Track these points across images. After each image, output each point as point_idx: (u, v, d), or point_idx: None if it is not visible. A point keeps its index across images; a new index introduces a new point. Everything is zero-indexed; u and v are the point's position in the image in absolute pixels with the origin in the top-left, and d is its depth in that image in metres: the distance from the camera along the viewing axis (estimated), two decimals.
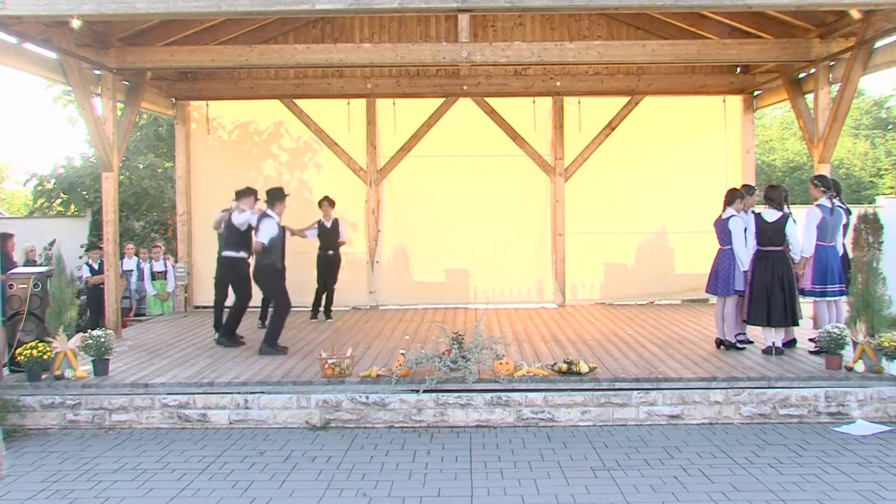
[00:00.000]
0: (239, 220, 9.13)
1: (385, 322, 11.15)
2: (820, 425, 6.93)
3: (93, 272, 11.53)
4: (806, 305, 8.30)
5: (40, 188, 15.55)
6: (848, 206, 8.61)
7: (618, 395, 7.08)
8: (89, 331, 7.76)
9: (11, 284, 8.00)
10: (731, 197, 8.52)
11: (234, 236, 9.21)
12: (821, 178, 8.45)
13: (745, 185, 9.26)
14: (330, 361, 7.34)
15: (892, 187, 26.59)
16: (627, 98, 12.62)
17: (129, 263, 12.29)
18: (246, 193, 9.28)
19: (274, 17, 11.01)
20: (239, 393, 7.17)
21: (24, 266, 10.62)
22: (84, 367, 7.59)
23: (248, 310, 9.44)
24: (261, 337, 8.96)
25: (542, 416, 7.03)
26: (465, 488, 5.52)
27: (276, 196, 8.98)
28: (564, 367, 7.29)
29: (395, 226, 12.83)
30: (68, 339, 7.51)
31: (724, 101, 12.71)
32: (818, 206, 8.18)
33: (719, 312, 8.56)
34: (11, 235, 10.88)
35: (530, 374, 7.27)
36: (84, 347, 7.53)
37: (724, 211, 8.51)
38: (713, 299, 9.98)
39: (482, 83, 12.43)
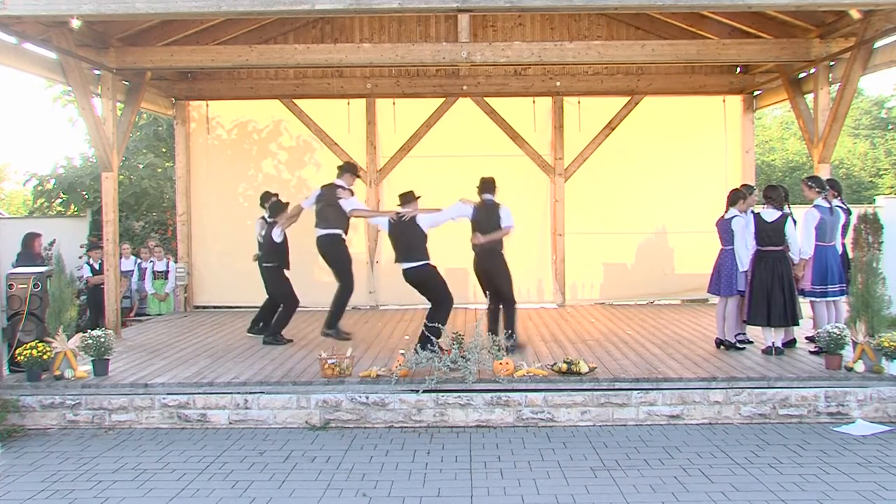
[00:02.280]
0: (429, 221, 8.46)
1: (385, 322, 11.15)
2: (820, 425, 6.93)
3: (94, 272, 11.54)
4: (806, 305, 8.30)
5: (40, 188, 15.53)
6: (848, 206, 8.60)
7: (617, 395, 7.08)
8: (89, 331, 7.76)
9: (11, 284, 8.01)
10: (734, 197, 8.52)
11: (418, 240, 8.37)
12: (814, 178, 8.46)
13: (744, 185, 9.27)
14: (330, 361, 7.34)
15: (891, 187, 26.58)
16: (627, 98, 12.62)
17: (127, 264, 12.22)
18: (410, 199, 8.52)
19: (274, 17, 11.01)
20: (239, 393, 7.17)
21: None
22: (84, 368, 7.59)
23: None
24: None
25: (541, 416, 7.03)
26: (465, 488, 5.52)
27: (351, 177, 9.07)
28: (564, 367, 7.29)
29: None
30: (68, 339, 7.50)
31: (723, 101, 12.71)
32: (816, 206, 8.18)
33: (720, 312, 8.56)
34: (39, 235, 11.07)
35: (530, 375, 7.27)
36: (84, 347, 7.53)
37: (726, 211, 8.52)
38: (713, 299, 9.99)
39: (482, 83, 12.43)
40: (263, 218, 9.91)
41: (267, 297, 9.91)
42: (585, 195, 12.71)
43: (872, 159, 28.31)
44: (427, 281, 8.34)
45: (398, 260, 8.42)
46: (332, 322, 8.92)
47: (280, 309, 9.42)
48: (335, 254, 8.92)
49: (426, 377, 7.12)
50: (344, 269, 8.96)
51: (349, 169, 9.28)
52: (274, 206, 9.56)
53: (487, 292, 8.47)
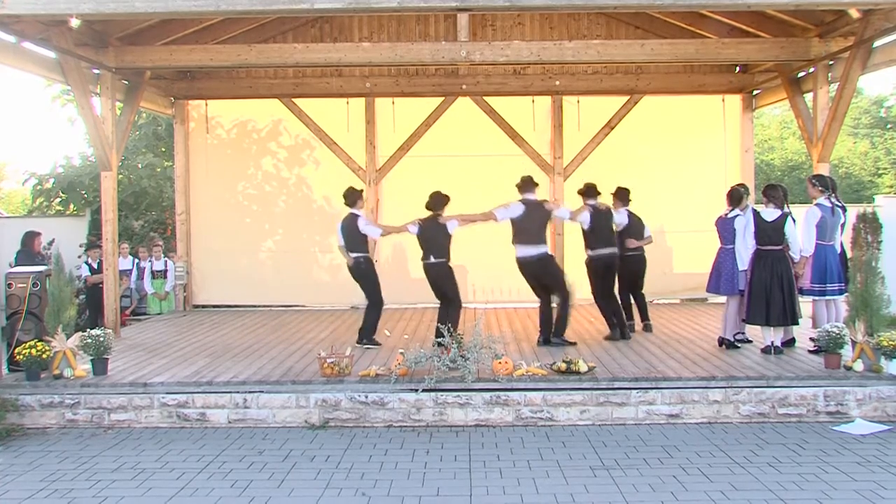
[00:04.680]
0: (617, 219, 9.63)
1: (384, 321, 11.11)
2: (819, 424, 6.93)
3: (92, 271, 11.54)
4: (805, 304, 8.30)
5: (39, 187, 15.52)
6: (844, 204, 8.60)
7: (616, 395, 7.08)
8: (88, 330, 7.76)
9: (11, 283, 8.01)
10: (736, 195, 8.51)
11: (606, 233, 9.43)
12: (819, 177, 8.46)
13: (740, 185, 9.24)
14: (329, 361, 7.34)
15: (891, 186, 26.59)
16: (626, 97, 12.61)
17: (125, 263, 12.16)
18: (592, 193, 9.48)
19: (273, 16, 11.00)
20: (238, 392, 7.17)
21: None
22: (83, 367, 7.59)
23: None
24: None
25: (540, 415, 7.03)
26: (464, 487, 5.52)
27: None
28: (563, 366, 7.29)
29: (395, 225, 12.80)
30: (67, 339, 7.50)
31: (723, 100, 12.70)
32: (818, 205, 8.18)
33: (726, 312, 8.53)
34: (39, 234, 11.08)
35: (529, 374, 7.27)
36: (83, 347, 7.53)
37: (729, 210, 8.51)
38: (713, 298, 9.96)
39: (481, 82, 12.42)
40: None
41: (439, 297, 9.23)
42: None
43: (872, 159, 28.32)
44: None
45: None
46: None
47: (448, 306, 8.95)
48: (551, 269, 9.11)
49: (425, 376, 7.12)
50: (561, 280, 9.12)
51: (534, 182, 9.13)
52: (438, 198, 9.20)
53: (617, 287, 9.67)
